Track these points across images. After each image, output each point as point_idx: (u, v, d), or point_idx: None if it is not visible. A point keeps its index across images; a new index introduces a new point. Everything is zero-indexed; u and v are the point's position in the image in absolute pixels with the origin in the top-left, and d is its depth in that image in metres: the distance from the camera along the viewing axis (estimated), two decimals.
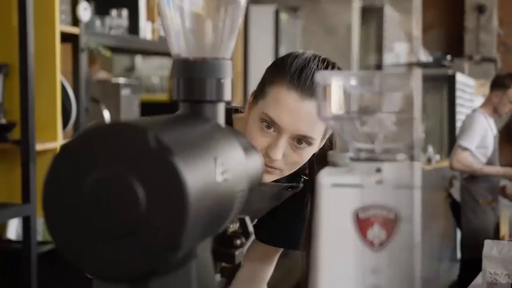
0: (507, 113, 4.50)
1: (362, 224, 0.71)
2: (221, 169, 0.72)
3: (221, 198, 0.72)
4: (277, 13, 5.55)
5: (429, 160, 5.92)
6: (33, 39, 2.47)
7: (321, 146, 1.34)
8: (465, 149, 4.31)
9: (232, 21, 0.86)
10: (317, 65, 1.28)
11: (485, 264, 2.02)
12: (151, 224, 0.63)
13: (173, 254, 0.64)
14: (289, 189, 1.40)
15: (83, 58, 2.79)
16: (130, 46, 3.22)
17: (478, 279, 2.19)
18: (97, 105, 3.00)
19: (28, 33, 2.44)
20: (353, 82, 0.75)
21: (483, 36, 9.44)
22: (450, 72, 6.77)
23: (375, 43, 7.31)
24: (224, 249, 0.86)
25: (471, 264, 4.32)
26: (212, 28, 0.86)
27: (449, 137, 7.20)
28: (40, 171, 2.49)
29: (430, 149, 6.40)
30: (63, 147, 0.65)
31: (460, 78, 7.10)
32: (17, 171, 2.48)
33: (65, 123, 2.70)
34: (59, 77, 2.59)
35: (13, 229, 2.65)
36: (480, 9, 9.41)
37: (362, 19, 6.41)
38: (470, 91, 7.70)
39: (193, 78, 0.84)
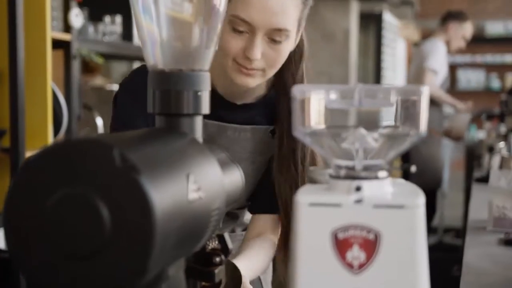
0: (456, 49, 4.60)
1: (340, 245, 0.68)
2: (194, 187, 0.69)
3: (194, 217, 0.69)
4: None
5: None
6: (24, 45, 2.44)
7: (297, 40, 1.32)
8: (434, 71, 4.36)
9: (209, 31, 0.83)
10: None
11: (492, 196, 1.88)
12: (116, 246, 0.59)
13: (140, 278, 0.60)
14: (271, 133, 1.39)
15: (75, 65, 2.76)
16: (124, 53, 3.19)
17: (482, 215, 2.00)
18: (90, 112, 2.97)
19: (19, 39, 2.41)
20: (332, 96, 0.72)
21: None
22: (377, 10, 6.84)
23: (374, 48, 7.30)
24: (203, 267, 0.83)
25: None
26: (189, 38, 0.83)
27: (375, 77, 7.27)
28: None
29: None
30: (26, 163, 0.62)
31: (387, 17, 7.18)
32: (6, 180, 2.45)
33: (56, 131, 2.67)
34: (50, 84, 2.56)
35: (3, 238, 2.61)
36: None
37: (360, 25, 6.39)
38: (394, 32, 7.84)
39: (169, 91, 0.81)
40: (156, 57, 0.83)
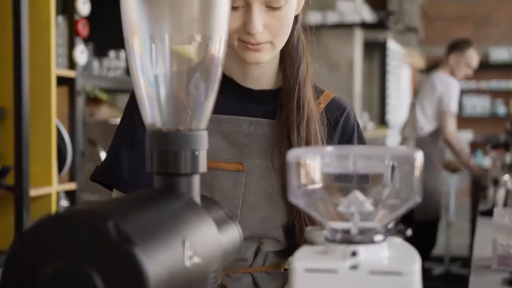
0: (463, 77, 4.58)
1: None
2: (190, 253, 0.69)
3: (191, 282, 0.69)
4: None
5: (364, 128, 5.95)
6: (29, 82, 2.46)
7: (301, 3, 1.24)
8: (455, 115, 4.36)
9: (206, 91, 0.84)
10: None
11: (496, 235, 1.85)
12: None
13: None
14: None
15: (79, 101, 2.78)
16: (128, 87, 3.20)
17: (487, 252, 1.98)
18: (94, 147, 2.98)
19: (23, 77, 2.43)
20: (327, 160, 0.72)
21: (406, 4, 9.55)
22: (381, 38, 6.86)
23: (378, 75, 7.33)
24: None
25: (423, 226, 4.32)
26: (187, 97, 0.83)
27: (379, 104, 7.26)
28: (34, 218, 2.46)
29: (366, 116, 6.36)
30: (22, 234, 0.63)
31: (391, 45, 7.20)
32: (10, 217, 2.45)
33: (60, 167, 2.67)
34: (54, 121, 2.57)
35: None
36: None
37: (365, 53, 6.42)
38: (399, 59, 7.86)
39: (167, 150, 0.81)
40: (154, 117, 0.84)
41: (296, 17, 1.24)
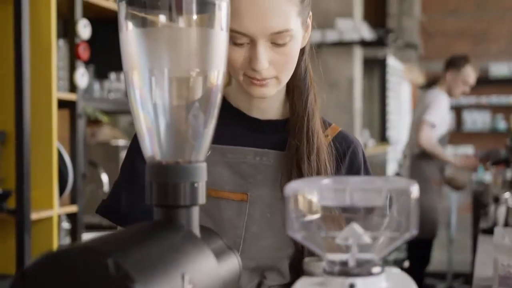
0: (460, 94, 4.58)
1: None
2: (189, 286, 0.70)
3: None
4: None
5: (365, 145, 5.95)
6: (30, 106, 2.47)
7: (307, 36, 1.24)
8: (432, 125, 4.34)
9: (205, 123, 0.85)
10: None
11: (497, 255, 1.83)
12: None
13: None
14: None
15: (80, 123, 2.79)
16: (128, 109, 3.21)
17: (488, 272, 1.96)
18: (95, 169, 2.99)
19: (25, 100, 2.45)
20: (324, 192, 0.73)
21: (405, 21, 9.60)
22: (381, 55, 6.87)
23: (378, 92, 7.35)
24: None
25: (418, 245, 4.30)
26: (185, 131, 0.84)
27: (380, 121, 7.26)
28: (35, 241, 2.47)
29: (366, 133, 6.36)
30: (23, 272, 0.63)
31: (391, 62, 7.21)
32: (11, 241, 2.46)
33: (61, 190, 2.68)
34: (55, 144, 2.58)
35: None
36: None
37: (365, 70, 6.44)
38: (399, 75, 7.88)
39: (167, 183, 0.82)
40: (153, 149, 0.85)
41: (302, 49, 1.25)
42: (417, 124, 4.42)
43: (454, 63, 4.52)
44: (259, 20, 1.12)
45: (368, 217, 0.75)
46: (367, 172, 1.30)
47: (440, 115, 4.40)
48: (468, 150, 10.33)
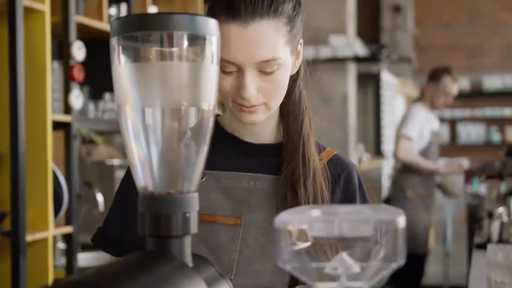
0: (442, 105, 4.56)
1: None
2: None
3: None
4: None
5: (360, 160, 5.94)
6: (25, 128, 2.49)
7: (298, 63, 1.25)
8: (408, 138, 4.35)
9: (197, 154, 0.86)
10: None
11: (490, 272, 1.85)
12: None
13: None
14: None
15: (75, 144, 2.80)
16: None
17: (482, 286, 1.96)
18: (90, 189, 3.00)
19: (20, 122, 2.46)
20: (313, 223, 0.74)
21: (399, 35, 9.66)
22: (375, 70, 6.91)
23: (373, 106, 7.39)
24: None
25: (408, 259, 4.24)
26: (177, 163, 0.86)
27: (375, 135, 7.28)
28: (30, 263, 2.47)
29: (361, 148, 6.38)
30: None
31: (385, 76, 7.24)
32: (7, 263, 2.46)
33: (57, 211, 2.69)
34: (50, 165, 2.59)
35: None
36: (396, 9, 9.63)
37: (359, 85, 6.48)
38: (393, 89, 7.91)
39: (159, 214, 0.83)
40: (146, 180, 0.86)
41: (297, 74, 1.27)
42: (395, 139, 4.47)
43: (434, 75, 4.55)
44: (247, 49, 1.13)
45: (357, 247, 0.76)
46: (363, 196, 1.31)
47: (416, 128, 4.41)
48: (463, 162, 10.36)
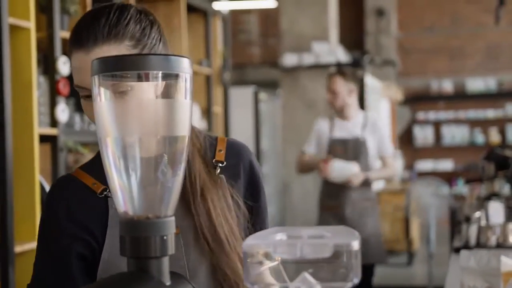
0: (333, 103, 4.17)
1: None
2: None
3: None
4: (256, 94, 5.71)
5: None
6: (12, 141, 2.55)
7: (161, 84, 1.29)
8: (303, 152, 4.23)
9: (173, 181, 0.94)
10: (97, 11, 1.23)
11: (463, 277, 1.91)
12: None
13: None
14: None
15: (62, 157, 2.87)
16: None
17: None
18: None
19: (7, 136, 2.52)
20: (278, 248, 0.82)
21: (382, 39, 9.78)
22: (358, 75, 6.97)
23: None
24: None
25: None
26: (154, 189, 0.93)
27: None
28: (19, 274, 2.53)
29: None
30: None
31: (368, 80, 7.32)
32: None
33: None
34: (38, 178, 2.66)
35: None
36: (379, 12, 9.73)
37: None
38: (377, 93, 7.99)
39: (138, 237, 0.91)
40: (126, 206, 0.94)
41: None
42: None
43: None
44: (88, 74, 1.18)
45: (318, 267, 0.84)
46: (257, 173, 1.38)
47: (312, 142, 4.26)
48: (447, 164, 10.52)
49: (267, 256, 0.83)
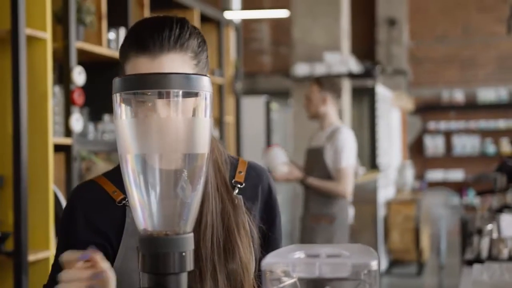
0: (306, 110, 4.14)
1: None
2: None
3: None
4: (268, 104, 5.72)
5: (355, 174, 5.92)
6: (27, 151, 2.57)
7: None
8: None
9: (192, 198, 0.95)
10: (159, 20, 1.24)
11: None
12: None
13: None
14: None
15: (75, 166, 2.89)
16: None
17: None
18: None
19: (22, 146, 2.54)
20: (297, 267, 0.83)
21: (394, 48, 9.75)
22: (370, 84, 6.95)
23: (368, 120, 7.48)
24: None
25: None
26: (173, 206, 0.95)
27: (370, 149, 7.35)
28: (32, 282, 2.55)
29: (356, 162, 6.41)
30: None
31: (379, 90, 7.31)
32: (9, 282, 2.54)
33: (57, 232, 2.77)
34: (51, 187, 2.68)
35: None
36: (391, 22, 9.71)
37: (354, 99, 6.55)
38: (388, 102, 7.98)
39: (158, 253, 0.92)
40: (145, 222, 0.95)
41: None
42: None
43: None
44: None
45: (336, 285, 0.85)
46: (274, 200, 1.39)
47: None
48: (458, 174, 10.48)
49: (286, 274, 0.83)
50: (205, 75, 1.29)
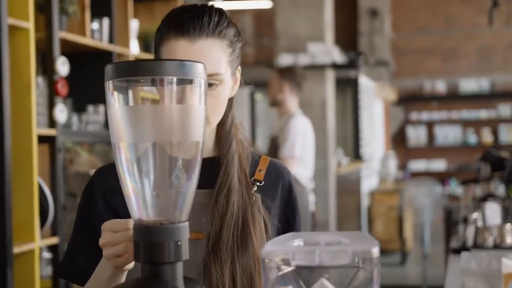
0: (268, 95, 4.26)
1: None
2: None
3: None
4: (252, 95, 5.71)
5: (339, 164, 5.95)
6: (11, 142, 2.53)
7: (236, 88, 1.32)
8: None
9: (187, 186, 0.93)
10: (199, 7, 1.27)
11: (463, 279, 1.92)
12: None
13: None
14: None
15: (60, 157, 2.85)
16: (107, 141, 3.29)
17: None
18: (74, 199, 3.05)
19: (6, 137, 2.50)
20: (296, 254, 0.82)
21: (376, 39, 9.81)
22: (353, 75, 7.00)
23: (351, 111, 7.50)
24: None
25: None
26: (168, 195, 0.93)
27: (353, 139, 7.41)
28: (17, 275, 2.52)
29: (340, 152, 6.47)
30: None
31: (362, 80, 7.36)
32: None
33: (42, 222, 2.74)
34: (36, 179, 2.64)
35: None
36: (373, 13, 9.76)
37: (337, 89, 6.56)
38: (371, 93, 8.03)
39: (152, 242, 0.90)
40: (140, 212, 0.93)
41: (231, 100, 1.33)
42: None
43: None
44: None
45: (336, 273, 0.84)
46: (295, 200, 1.39)
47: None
48: (440, 164, 10.55)
49: (285, 262, 0.82)
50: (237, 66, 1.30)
